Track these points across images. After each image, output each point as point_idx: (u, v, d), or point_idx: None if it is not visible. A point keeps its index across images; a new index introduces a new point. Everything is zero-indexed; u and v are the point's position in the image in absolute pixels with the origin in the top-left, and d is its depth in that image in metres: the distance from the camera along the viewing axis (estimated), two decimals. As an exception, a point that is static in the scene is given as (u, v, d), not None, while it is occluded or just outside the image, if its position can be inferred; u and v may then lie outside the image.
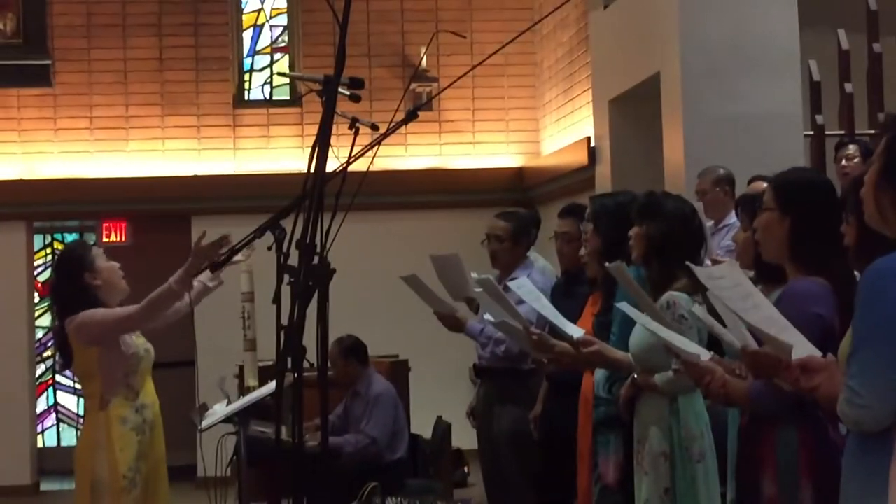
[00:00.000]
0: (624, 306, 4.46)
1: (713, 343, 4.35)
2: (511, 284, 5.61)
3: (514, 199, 12.01)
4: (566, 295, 5.41)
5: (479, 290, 5.93)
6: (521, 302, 6.25)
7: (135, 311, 5.39)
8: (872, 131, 8.04)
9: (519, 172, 12.89)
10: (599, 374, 5.21)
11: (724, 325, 3.46)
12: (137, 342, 5.50)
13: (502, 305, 5.29)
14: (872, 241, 3.02)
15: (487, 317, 5.44)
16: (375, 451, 7.88)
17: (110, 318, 5.40)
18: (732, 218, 7.09)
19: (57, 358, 5.25)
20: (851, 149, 7.23)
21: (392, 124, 3.99)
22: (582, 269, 5.97)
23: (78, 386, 11.80)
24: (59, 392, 13.86)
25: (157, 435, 5.50)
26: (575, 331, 4.96)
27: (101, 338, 5.38)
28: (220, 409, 6.38)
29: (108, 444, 5.32)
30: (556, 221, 6.44)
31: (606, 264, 4.76)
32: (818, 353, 3.12)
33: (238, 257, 5.16)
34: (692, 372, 3.95)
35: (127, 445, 5.34)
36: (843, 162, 7.19)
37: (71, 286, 5.48)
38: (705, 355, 3.94)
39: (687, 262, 4.23)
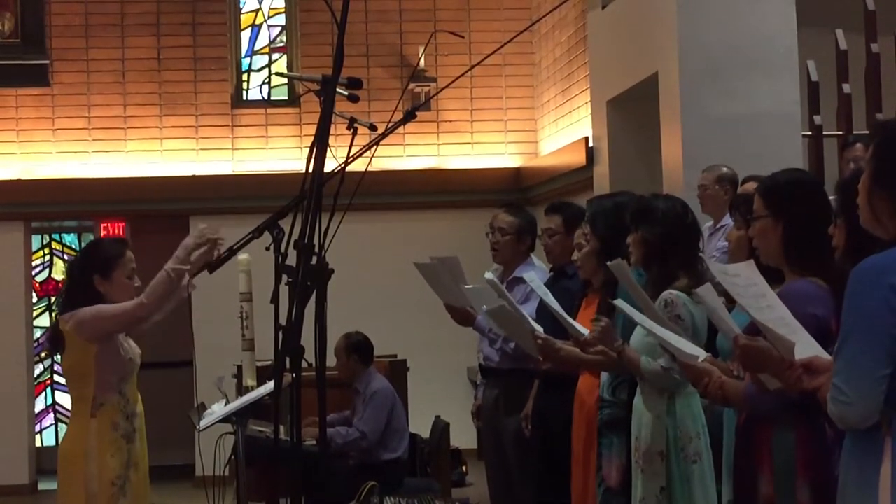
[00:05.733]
0: (621, 303, 4.46)
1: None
2: (526, 277, 5.61)
3: (513, 199, 12.00)
4: (552, 289, 5.42)
5: (469, 287, 5.93)
6: (527, 300, 6.25)
7: (143, 305, 5.26)
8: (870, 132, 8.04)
9: (517, 173, 12.89)
10: (604, 375, 5.21)
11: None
12: (132, 347, 5.46)
13: (510, 308, 5.28)
14: (861, 242, 3.04)
15: (485, 308, 5.43)
16: (365, 446, 7.91)
17: (117, 312, 5.27)
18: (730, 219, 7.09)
19: (45, 343, 5.12)
20: (859, 148, 7.20)
21: (390, 124, 4.01)
22: (568, 264, 5.98)
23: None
24: (57, 392, 13.86)
25: (143, 443, 5.45)
26: (582, 330, 4.98)
27: (105, 334, 5.28)
28: (218, 409, 6.38)
29: (98, 451, 5.25)
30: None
31: (608, 263, 4.76)
32: (825, 355, 3.13)
33: None
34: (689, 373, 3.95)
35: (117, 452, 5.28)
36: (852, 165, 7.15)
37: (78, 280, 5.39)
38: (703, 355, 3.95)
39: (701, 254, 4.24)
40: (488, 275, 5.60)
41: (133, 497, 5.33)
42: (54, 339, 5.43)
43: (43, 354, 13.75)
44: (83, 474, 5.26)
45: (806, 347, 3.15)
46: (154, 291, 5.30)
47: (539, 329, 5.23)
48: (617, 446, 5.04)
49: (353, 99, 3.88)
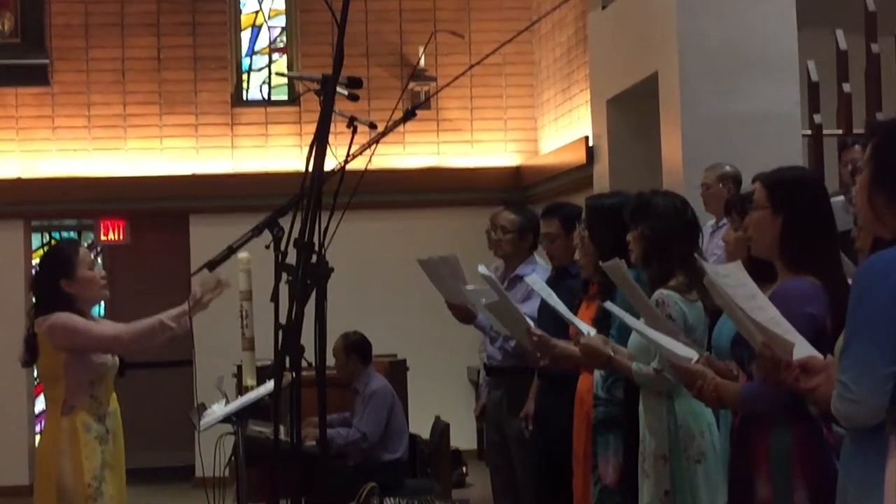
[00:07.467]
0: (611, 306, 4.45)
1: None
2: (527, 279, 5.63)
3: (512, 198, 11.99)
4: (555, 289, 5.42)
5: (470, 288, 5.93)
6: (528, 298, 6.26)
7: (120, 340, 5.32)
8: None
9: (517, 171, 12.89)
10: (598, 373, 5.21)
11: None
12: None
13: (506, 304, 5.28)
14: (885, 246, 3.03)
15: (484, 301, 5.42)
16: (366, 446, 7.92)
17: (90, 335, 5.31)
18: (729, 219, 7.07)
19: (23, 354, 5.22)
20: (857, 150, 7.20)
21: (390, 123, 4.01)
22: (571, 264, 5.98)
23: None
24: (56, 391, 13.85)
25: (120, 443, 5.45)
26: (586, 329, 4.97)
27: (74, 348, 5.30)
28: (218, 409, 6.37)
29: (72, 452, 5.25)
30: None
31: (601, 263, 4.75)
32: (819, 355, 3.12)
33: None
34: (683, 376, 3.94)
35: (92, 453, 5.27)
36: (850, 167, 7.15)
37: (46, 287, 5.41)
38: (695, 357, 3.94)
39: (696, 255, 4.23)
40: (482, 268, 5.60)
41: (109, 498, 5.32)
42: (31, 348, 5.44)
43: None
44: (55, 472, 5.26)
45: (799, 348, 3.14)
46: (136, 333, 5.34)
47: (532, 324, 5.24)
48: (612, 444, 5.03)
49: (353, 98, 3.88)
